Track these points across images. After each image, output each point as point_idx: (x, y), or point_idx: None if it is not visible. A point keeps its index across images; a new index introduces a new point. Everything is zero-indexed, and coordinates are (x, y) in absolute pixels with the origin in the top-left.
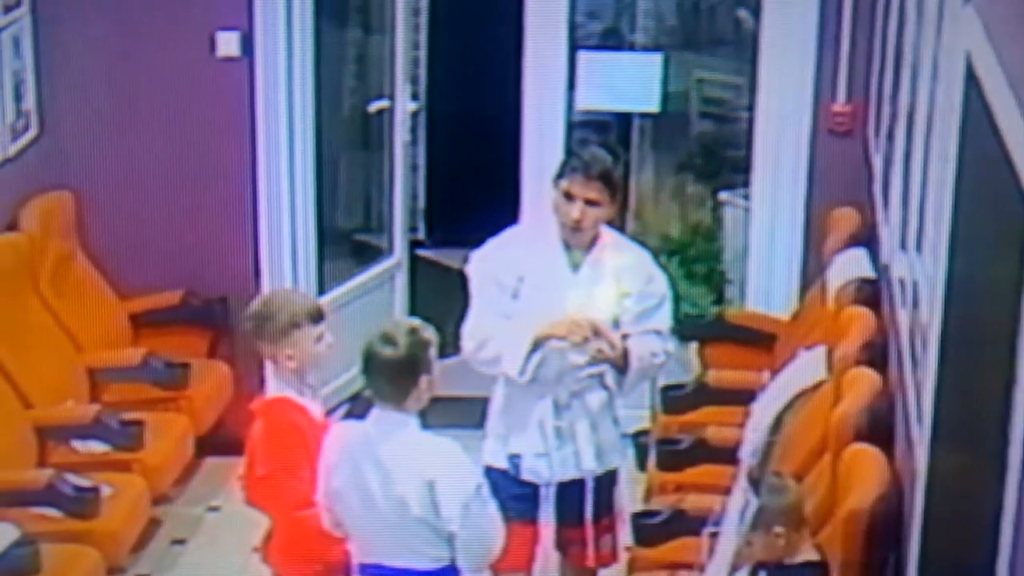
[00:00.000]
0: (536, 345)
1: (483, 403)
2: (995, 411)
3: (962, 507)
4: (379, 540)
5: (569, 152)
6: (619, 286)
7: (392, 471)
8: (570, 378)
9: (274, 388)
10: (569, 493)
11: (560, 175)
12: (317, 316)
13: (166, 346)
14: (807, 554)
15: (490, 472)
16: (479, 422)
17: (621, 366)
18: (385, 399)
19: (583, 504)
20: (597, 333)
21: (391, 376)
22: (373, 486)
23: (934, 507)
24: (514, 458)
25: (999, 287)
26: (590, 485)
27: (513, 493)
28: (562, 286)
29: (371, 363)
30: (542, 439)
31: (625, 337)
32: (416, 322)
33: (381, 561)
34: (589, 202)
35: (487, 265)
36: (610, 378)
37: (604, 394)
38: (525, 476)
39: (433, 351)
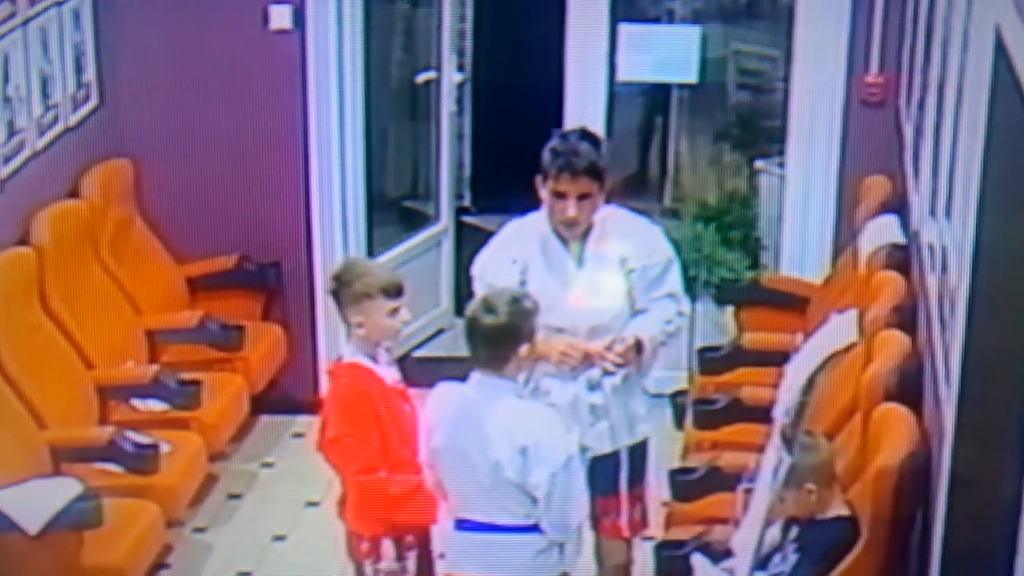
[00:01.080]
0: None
1: None
2: (1021, 372)
3: (988, 465)
4: (474, 498)
5: (550, 150)
6: (624, 266)
7: (489, 435)
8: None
9: (348, 353)
10: (603, 466)
11: (546, 176)
12: (392, 291)
13: (221, 309)
14: (837, 509)
15: None
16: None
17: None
18: (485, 365)
19: (618, 476)
20: (592, 355)
21: (492, 343)
22: (470, 448)
23: (960, 465)
24: None
25: None
26: (624, 456)
27: None
28: (567, 281)
29: (473, 330)
30: (576, 418)
31: (637, 314)
32: (518, 291)
33: (475, 517)
34: (581, 196)
35: (489, 272)
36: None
37: (631, 369)
38: None
39: (534, 320)
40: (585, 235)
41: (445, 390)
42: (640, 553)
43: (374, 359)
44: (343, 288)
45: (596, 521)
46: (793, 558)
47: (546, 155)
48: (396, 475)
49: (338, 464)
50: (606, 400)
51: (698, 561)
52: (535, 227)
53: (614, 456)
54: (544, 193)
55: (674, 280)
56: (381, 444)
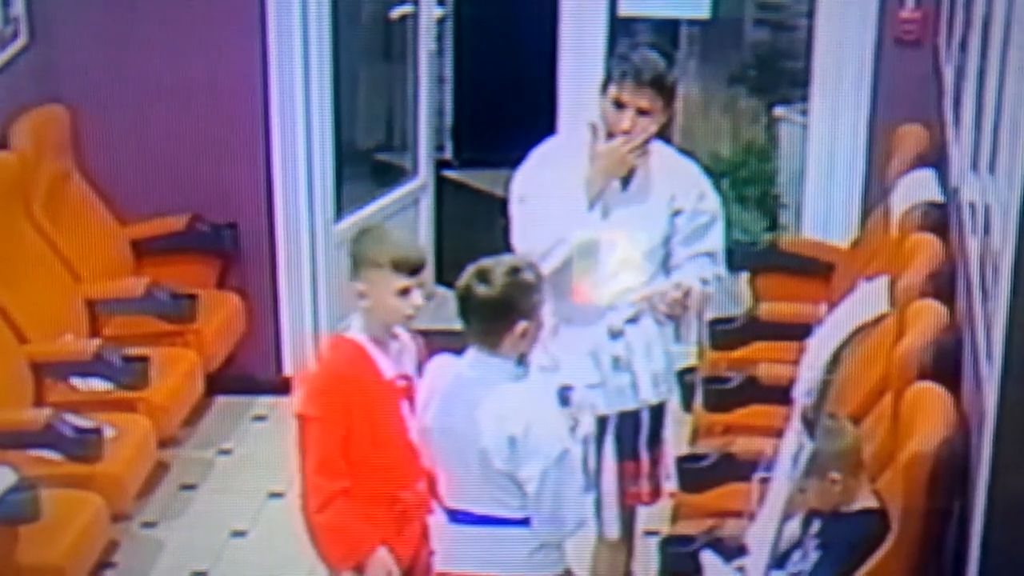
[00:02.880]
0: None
1: None
2: None
3: None
4: (466, 487)
5: (618, 56)
6: (671, 204)
7: (479, 419)
8: (623, 303)
9: (353, 326)
10: (622, 426)
11: (608, 81)
12: (404, 266)
13: (172, 275)
14: (865, 501)
15: None
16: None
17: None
18: (479, 341)
19: (638, 438)
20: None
21: (485, 317)
22: (460, 431)
23: (1003, 450)
24: (565, 390)
25: None
26: (646, 416)
27: None
28: (612, 204)
29: (464, 300)
30: (597, 368)
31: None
32: (520, 261)
33: (469, 508)
34: (641, 111)
35: (532, 183)
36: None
37: (657, 321)
38: (574, 408)
39: (537, 296)
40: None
41: (441, 363)
42: (643, 549)
43: (378, 342)
44: (357, 244)
45: (622, 490)
46: (814, 555)
47: (614, 59)
48: (358, 484)
49: (304, 443)
50: (629, 351)
51: (708, 559)
52: (584, 142)
53: (635, 416)
54: (603, 104)
55: (717, 238)
56: (347, 442)
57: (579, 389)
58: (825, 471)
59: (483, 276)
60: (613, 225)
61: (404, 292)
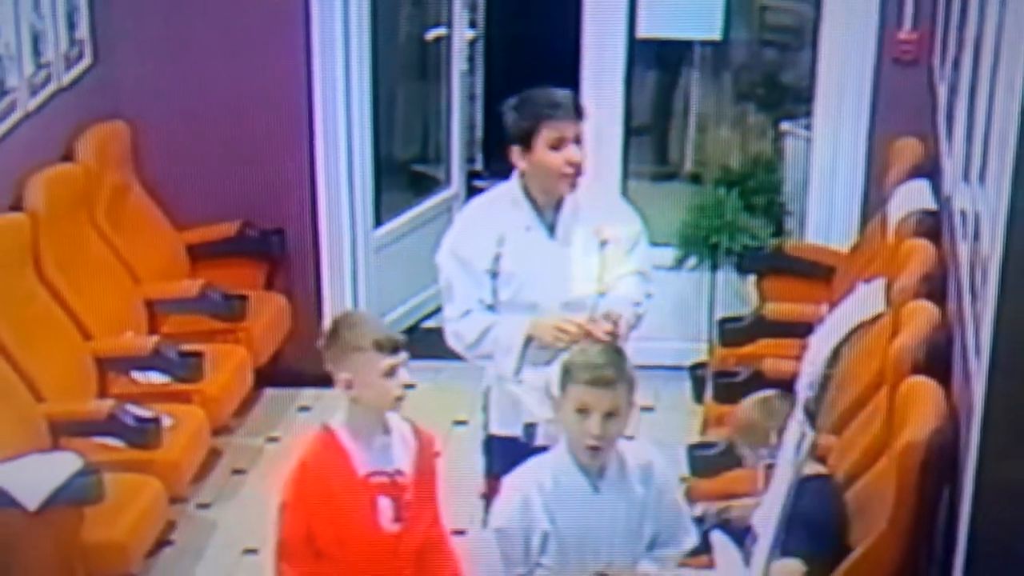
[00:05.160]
0: (527, 343)
1: None
2: None
3: (1019, 441)
4: None
5: (535, 102)
6: (597, 236)
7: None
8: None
9: (336, 419)
10: None
11: (534, 128)
12: (387, 345)
13: (223, 278)
14: (809, 471)
15: (494, 440)
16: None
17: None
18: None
19: None
20: (588, 332)
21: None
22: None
23: (990, 440)
24: (529, 427)
25: None
26: None
27: (522, 459)
28: (542, 252)
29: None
30: (549, 400)
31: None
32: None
33: None
34: (577, 140)
35: (461, 251)
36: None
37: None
38: (540, 442)
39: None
40: (558, 205)
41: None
42: None
43: (359, 434)
44: (332, 340)
45: None
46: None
47: (525, 111)
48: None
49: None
50: None
51: (718, 539)
52: (506, 197)
53: None
54: (531, 159)
55: (644, 256)
56: (307, 532)
57: (541, 425)
58: (770, 442)
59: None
60: (547, 269)
61: (390, 372)
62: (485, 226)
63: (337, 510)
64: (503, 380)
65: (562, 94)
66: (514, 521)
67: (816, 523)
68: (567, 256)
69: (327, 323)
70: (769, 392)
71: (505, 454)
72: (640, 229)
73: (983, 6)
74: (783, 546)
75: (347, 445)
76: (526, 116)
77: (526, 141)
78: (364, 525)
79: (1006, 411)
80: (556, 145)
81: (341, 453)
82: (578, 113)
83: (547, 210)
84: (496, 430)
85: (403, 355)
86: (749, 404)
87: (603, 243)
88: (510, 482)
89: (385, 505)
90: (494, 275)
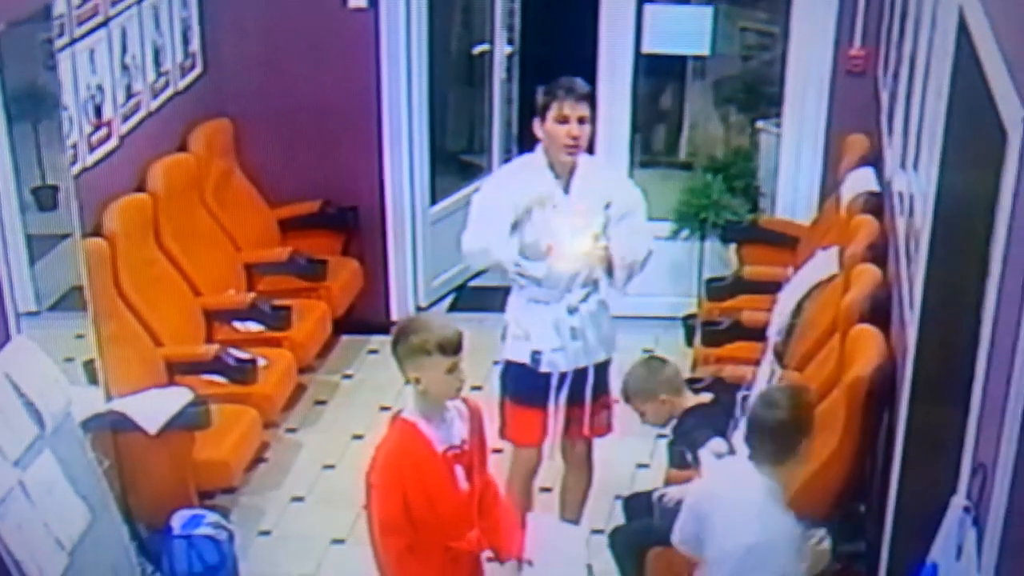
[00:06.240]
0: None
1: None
2: (971, 298)
3: (943, 376)
4: None
5: (550, 87)
6: (604, 199)
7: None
8: (575, 287)
9: (407, 409)
10: (576, 379)
11: (548, 104)
12: (449, 348)
13: (308, 246)
14: (690, 402)
15: (511, 366)
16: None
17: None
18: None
19: (584, 387)
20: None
21: (774, 437)
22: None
23: (921, 375)
24: (536, 354)
25: (978, 199)
26: (591, 372)
27: (531, 383)
28: (558, 204)
29: (753, 424)
30: (558, 336)
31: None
32: (797, 385)
33: None
34: (581, 120)
35: (498, 193)
36: (603, 284)
37: (601, 300)
38: (544, 368)
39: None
40: (572, 171)
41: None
42: (657, 452)
43: (431, 419)
44: (400, 343)
45: (567, 425)
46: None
47: (547, 90)
48: (419, 539)
49: (370, 506)
50: (582, 322)
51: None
52: (532, 162)
53: (584, 371)
54: (544, 129)
55: (641, 219)
56: (405, 507)
57: (546, 352)
58: (655, 396)
59: (770, 402)
60: (561, 221)
61: (452, 369)
62: (514, 180)
63: (427, 484)
64: (517, 317)
65: (575, 82)
66: None
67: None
68: (578, 210)
69: (390, 282)
70: (649, 356)
71: (516, 378)
72: (640, 198)
73: (918, 28)
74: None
75: (425, 431)
76: (545, 94)
77: (543, 114)
78: (447, 491)
79: (933, 352)
80: (562, 120)
81: (422, 438)
82: (586, 98)
83: (563, 175)
84: (509, 356)
85: (462, 354)
86: (635, 365)
87: (607, 205)
88: None
89: (459, 471)
90: (517, 222)
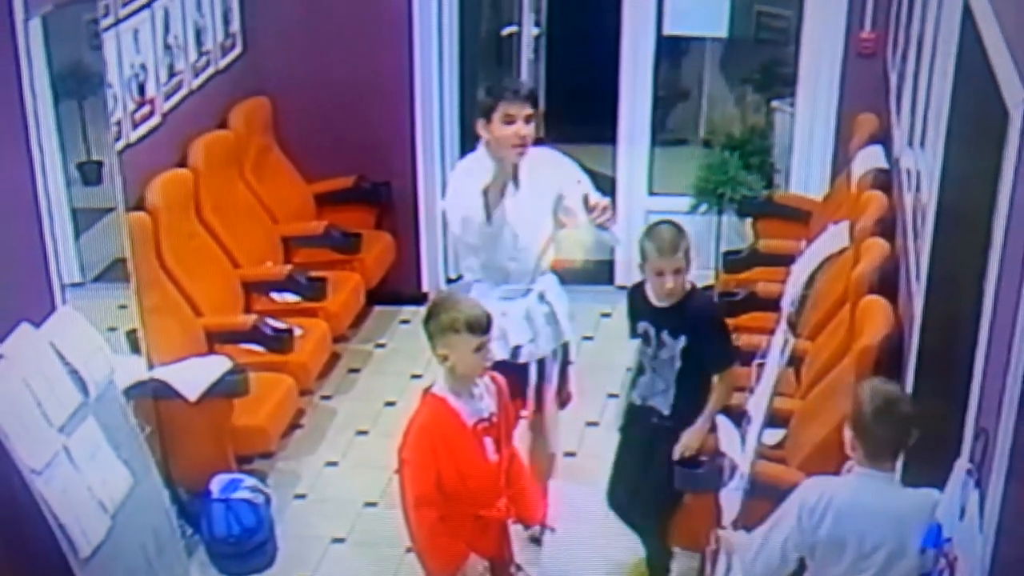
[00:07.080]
0: None
1: None
2: (975, 270)
3: (947, 342)
4: None
5: (493, 89)
6: (551, 181)
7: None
8: (538, 275)
9: (437, 385)
10: (545, 361)
11: (493, 105)
12: (477, 327)
13: (342, 219)
14: None
15: (494, 366)
16: None
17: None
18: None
19: (555, 366)
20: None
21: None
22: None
23: (927, 343)
24: (516, 349)
25: (981, 176)
26: (560, 349)
27: (513, 375)
28: (511, 197)
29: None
30: (531, 328)
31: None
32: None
33: None
34: (527, 119)
35: (460, 205)
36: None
37: (556, 279)
38: (524, 359)
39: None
40: (515, 166)
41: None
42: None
43: (460, 394)
44: (431, 320)
45: (537, 403)
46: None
47: (490, 92)
48: (451, 510)
49: (402, 482)
50: (551, 308)
51: (722, 421)
52: (480, 162)
53: (555, 352)
54: (489, 129)
55: (586, 182)
56: (438, 480)
57: (525, 345)
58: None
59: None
60: (515, 210)
61: (480, 348)
62: (472, 181)
63: (459, 458)
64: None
65: (519, 83)
66: None
67: None
68: (530, 200)
69: (421, 255)
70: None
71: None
72: (576, 167)
73: (924, 12)
74: None
75: (455, 406)
76: (488, 96)
77: (488, 115)
78: (478, 463)
79: (939, 321)
80: (509, 120)
81: (452, 413)
82: (529, 98)
83: (509, 171)
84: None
85: (491, 333)
86: (658, 227)
87: (556, 185)
88: None
89: (488, 443)
90: (482, 216)
